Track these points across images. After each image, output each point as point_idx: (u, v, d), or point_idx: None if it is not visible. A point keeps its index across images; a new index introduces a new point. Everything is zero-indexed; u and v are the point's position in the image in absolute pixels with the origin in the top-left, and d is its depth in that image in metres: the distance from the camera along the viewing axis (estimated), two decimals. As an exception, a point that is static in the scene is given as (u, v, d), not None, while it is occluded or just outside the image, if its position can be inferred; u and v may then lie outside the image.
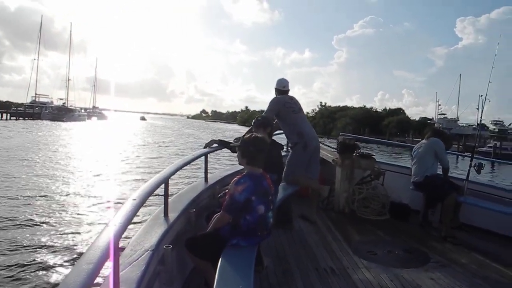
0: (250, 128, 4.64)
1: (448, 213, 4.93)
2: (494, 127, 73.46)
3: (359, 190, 5.84)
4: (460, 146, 45.23)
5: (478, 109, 50.09)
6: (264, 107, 5.23)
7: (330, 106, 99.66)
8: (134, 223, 2.81)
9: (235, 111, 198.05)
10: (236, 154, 3.06)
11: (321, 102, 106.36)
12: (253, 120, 4.50)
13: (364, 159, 5.85)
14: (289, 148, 5.54)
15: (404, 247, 4.49)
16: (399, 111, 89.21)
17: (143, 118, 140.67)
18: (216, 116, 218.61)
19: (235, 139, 4.29)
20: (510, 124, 77.96)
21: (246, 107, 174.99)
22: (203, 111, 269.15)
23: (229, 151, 4.58)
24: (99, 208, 10.57)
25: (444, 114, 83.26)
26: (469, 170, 5.12)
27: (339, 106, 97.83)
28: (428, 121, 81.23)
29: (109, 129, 58.94)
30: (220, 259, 2.40)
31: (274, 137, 4.88)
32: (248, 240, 2.73)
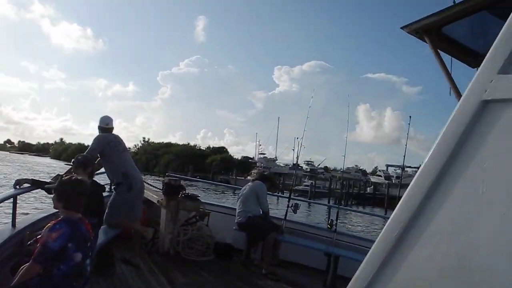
0: (69, 168, 4.37)
1: (268, 251, 5.40)
2: (307, 166, 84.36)
3: (184, 231, 5.94)
4: (280, 185, 49.77)
5: (294, 150, 56.30)
6: (82, 140, 5.06)
7: (153, 142, 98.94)
8: None
9: (47, 143, 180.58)
10: (52, 196, 2.87)
11: (144, 138, 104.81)
12: (73, 160, 4.27)
13: (190, 200, 6.00)
14: (112, 189, 5.36)
15: (228, 286, 4.71)
16: (222, 150, 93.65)
17: None
18: (24, 148, 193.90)
19: (52, 178, 3.98)
20: (319, 164, 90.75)
21: (61, 139, 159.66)
22: (8, 141, 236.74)
23: (43, 191, 4.20)
24: None
25: (264, 153, 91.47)
26: (287, 210, 5.74)
27: (162, 142, 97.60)
28: (250, 160, 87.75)
29: None
30: None
31: (95, 177, 4.69)
32: (62, 293, 2.56)
